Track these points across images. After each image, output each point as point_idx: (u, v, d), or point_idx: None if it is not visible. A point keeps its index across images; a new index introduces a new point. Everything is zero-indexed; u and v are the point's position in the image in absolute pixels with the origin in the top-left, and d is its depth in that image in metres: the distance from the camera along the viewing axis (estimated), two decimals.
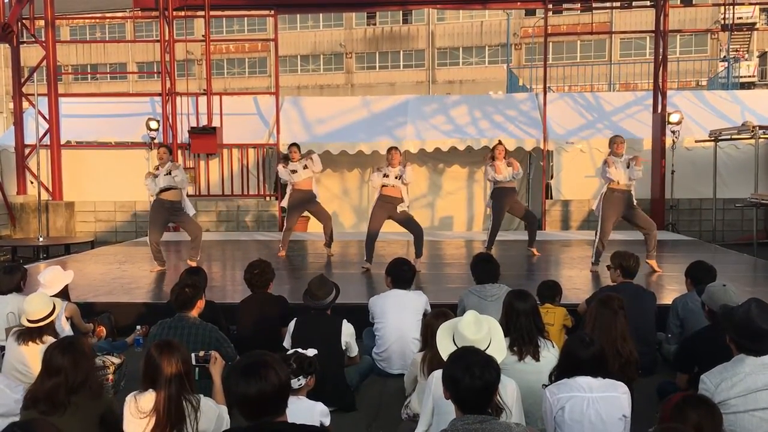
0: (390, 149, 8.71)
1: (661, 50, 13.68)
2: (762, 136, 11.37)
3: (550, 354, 3.93)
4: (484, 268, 5.46)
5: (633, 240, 9.20)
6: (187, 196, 9.11)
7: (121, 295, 7.18)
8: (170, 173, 8.48)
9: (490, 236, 9.63)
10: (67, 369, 3.17)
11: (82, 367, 3.22)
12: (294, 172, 9.57)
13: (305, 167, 9.55)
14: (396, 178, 8.46)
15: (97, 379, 3.43)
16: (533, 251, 9.74)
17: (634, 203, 8.28)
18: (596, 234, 8.33)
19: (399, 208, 8.54)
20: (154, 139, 13.87)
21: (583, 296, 5.99)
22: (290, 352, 3.72)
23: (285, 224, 10.07)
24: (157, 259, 8.75)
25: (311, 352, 3.70)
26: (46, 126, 13.92)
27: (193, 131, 13.81)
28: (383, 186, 8.52)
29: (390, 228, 9.15)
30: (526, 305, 4.06)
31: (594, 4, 14.74)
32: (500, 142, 10.15)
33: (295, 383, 3.46)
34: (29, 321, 4.27)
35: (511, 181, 9.39)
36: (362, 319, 5.48)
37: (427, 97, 19.50)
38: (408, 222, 8.72)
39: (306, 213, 10.29)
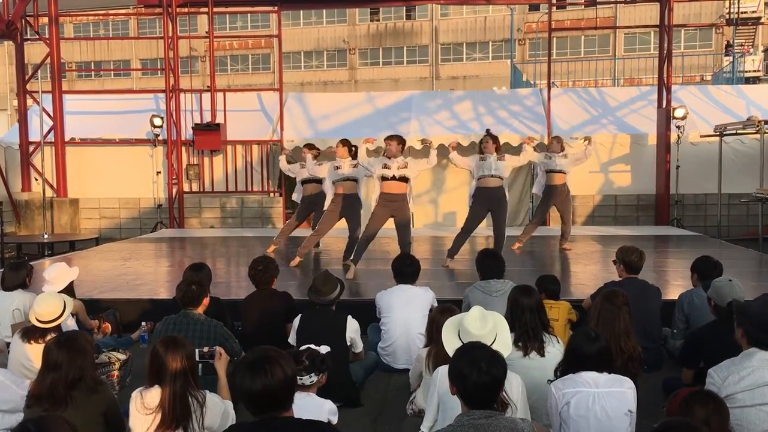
0: (387, 138, 7.75)
1: (665, 45, 13.63)
2: (767, 130, 11.30)
3: (554, 349, 3.92)
4: (489, 264, 5.47)
5: (640, 236, 9.19)
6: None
7: (126, 292, 7.19)
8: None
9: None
10: (64, 364, 3.20)
11: (78, 362, 3.23)
12: (338, 168, 9.42)
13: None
14: (399, 168, 7.59)
15: (95, 374, 3.43)
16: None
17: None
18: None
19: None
20: (158, 135, 13.89)
21: (588, 291, 5.96)
22: (303, 348, 3.71)
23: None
24: (277, 241, 9.74)
25: (324, 349, 3.69)
26: (51, 123, 13.93)
27: (197, 128, 13.80)
28: (384, 181, 7.67)
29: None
30: (530, 301, 4.06)
31: None
32: (488, 132, 9.32)
33: (308, 380, 3.47)
34: (40, 321, 4.27)
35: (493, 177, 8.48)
36: (367, 315, 5.48)
37: (430, 93, 19.44)
38: (404, 227, 7.89)
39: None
